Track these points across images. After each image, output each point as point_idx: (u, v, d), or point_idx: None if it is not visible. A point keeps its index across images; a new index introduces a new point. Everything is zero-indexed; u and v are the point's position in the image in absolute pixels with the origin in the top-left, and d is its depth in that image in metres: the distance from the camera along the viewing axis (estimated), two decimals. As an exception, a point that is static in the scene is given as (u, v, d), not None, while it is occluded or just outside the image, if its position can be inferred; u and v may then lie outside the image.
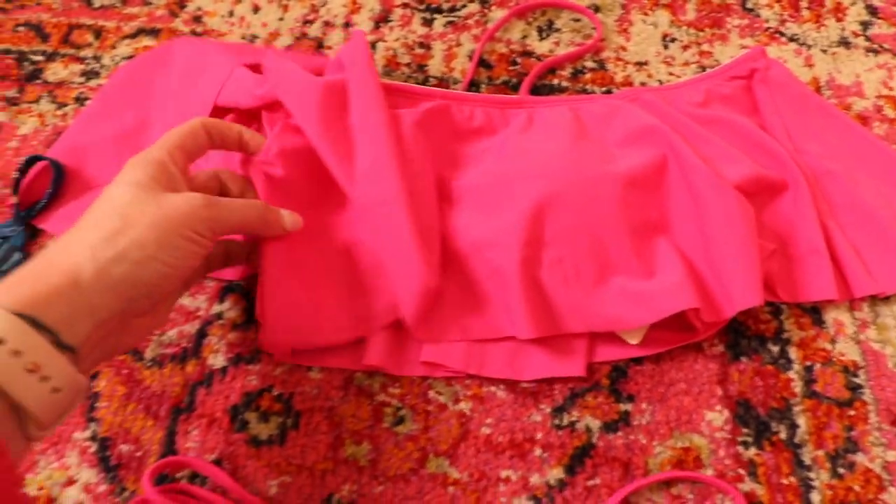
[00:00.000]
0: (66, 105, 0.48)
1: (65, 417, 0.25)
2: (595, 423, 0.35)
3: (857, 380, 0.36)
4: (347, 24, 0.52)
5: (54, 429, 0.25)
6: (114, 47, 0.51)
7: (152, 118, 0.44)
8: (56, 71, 0.50)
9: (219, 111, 0.42)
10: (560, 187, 0.36)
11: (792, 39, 0.50)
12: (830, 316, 0.38)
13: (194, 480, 0.34)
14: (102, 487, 0.34)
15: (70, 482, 0.34)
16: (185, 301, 0.40)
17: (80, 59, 0.50)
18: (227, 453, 0.35)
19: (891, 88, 0.47)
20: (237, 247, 0.36)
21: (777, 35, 0.50)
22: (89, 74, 0.49)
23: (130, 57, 0.50)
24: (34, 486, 0.34)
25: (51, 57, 0.51)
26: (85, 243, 0.26)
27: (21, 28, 0.53)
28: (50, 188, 0.42)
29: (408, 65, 0.49)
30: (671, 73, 0.48)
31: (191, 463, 0.34)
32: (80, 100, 0.48)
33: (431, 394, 0.36)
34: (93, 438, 0.35)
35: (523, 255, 0.35)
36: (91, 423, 0.36)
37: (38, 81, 0.49)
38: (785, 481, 0.33)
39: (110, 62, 0.50)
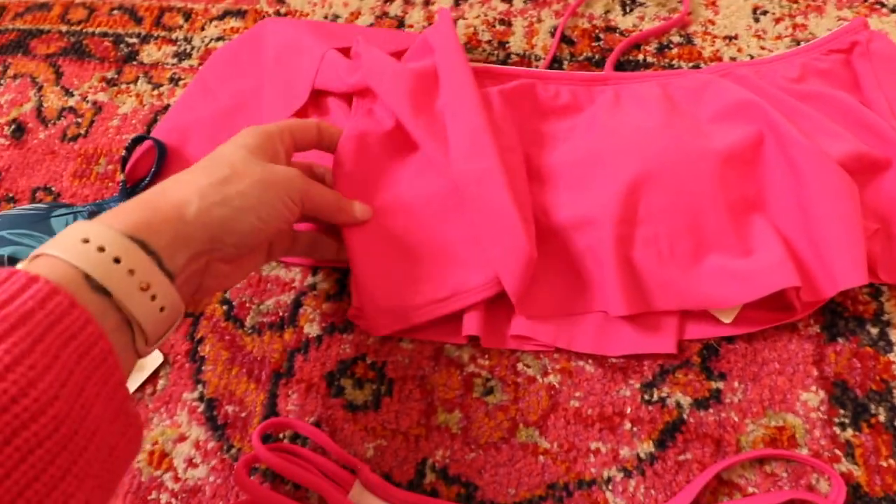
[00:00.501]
0: (161, 85, 0.50)
1: (165, 338, 0.27)
2: (686, 400, 0.35)
3: (963, 364, 0.35)
4: (427, 3, 0.52)
5: (155, 347, 0.27)
6: (203, 29, 0.53)
7: (247, 99, 0.45)
8: (150, 52, 0.52)
9: (314, 94, 0.44)
10: (654, 164, 0.36)
11: (894, 10, 0.47)
12: (935, 298, 0.37)
13: (295, 441, 0.36)
14: (211, 444, 0.37)
15: (181, 439, 0.37)
16: (281, 273, 0.42)
17: (173, 41, 0.53)
18: (325, 416, 0.37)
19: None
20: (324, 240, 0.38)
21: (878, 6, 0.48)
22: (181, 55, 0.52)
23: (219, 38, 0.52)
24: (149, 442, 0.37)
25: (145, 39, 0.53)
26: (195, 185, 0.29)
27: (116, 12, 0.55)
28: (154, 166, 0.44)
29: (489, 42, 0.49)
30: (763, 48, 0.46)
31: (294, 424, 0.36)
32: (174, 80, 0.50)
33: (520, 366, 0.37)
34: (200, 399, 0.38)
35: (618, 232, 0.35)
36: (198, 384, 0.38)
37: (135, 63, 0.52)
38: (884, 464, 0.33)
39: (200, 43, 0.52)
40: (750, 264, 0.35)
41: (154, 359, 0.39)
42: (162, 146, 0.45)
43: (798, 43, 0.46)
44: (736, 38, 0.47)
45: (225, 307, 0.41)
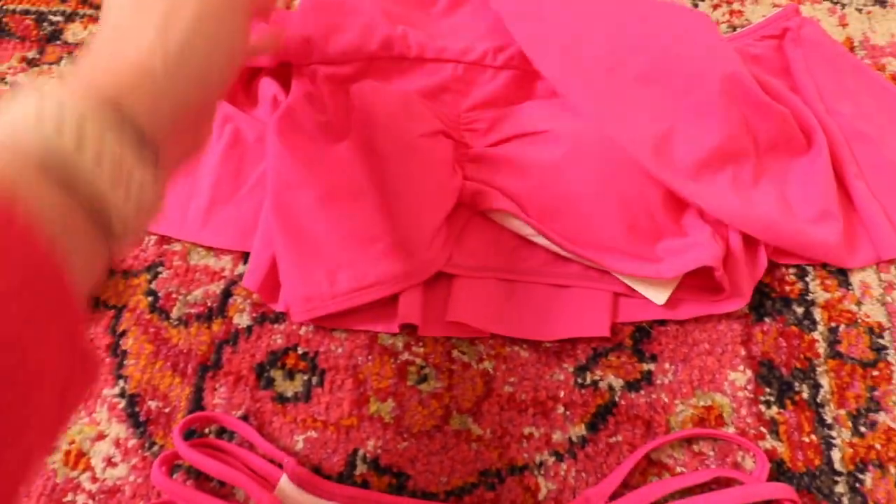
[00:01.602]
0: (85, 67, 0.48)
1: (136, 235, 0.21)
2: (618, 382, 0.35)
3: (881, 341, 0.36)
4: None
5: (130, 241, 0.21)
6: (131, 8, 0.51)
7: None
8: (76, 32, 0.50)
9: (246, 73, 0.42)
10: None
11: (825, -3, 0.48)
12: (857, 278, 0.38)
13: (222, 436, 0.35)
14: (132, 442, 0.35)
15: (100, 437, 0.35)
16: (210, 261, 0.40)
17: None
18: (254, 409, 0.36)
19: (926, 48, 0.46)
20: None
21: (809, -7, 0.49)
22: (107, 36, 0.49)
23: (148, 18, 0.50)
24: (65, 441, 0.35)
25: (70, 17, 0.50)
26: (144, 30, 0.22)
27: (38, -11, 0.52)
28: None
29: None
30: (698, 33, 0.47)
31: (219, 418, 0.35)
32: (98, 62, 0.48)
33: (455, 353, 0.37)
34: (121, 395, 0.36)
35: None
36: (119, 380, 0.37)
37: (59, 42, 0.49)
38: (806, 439, 0.34)
39: (128, 23, 0.50)
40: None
41: None
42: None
43: (734, 29, 0.47)
44: (673, 23, 0.48)
45: (150, 298, 0.39)
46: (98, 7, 0.51)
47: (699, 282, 0.36)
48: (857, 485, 0.33)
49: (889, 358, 0.36)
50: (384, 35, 0.39)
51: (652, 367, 0.36)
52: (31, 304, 0.16)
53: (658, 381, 0.35)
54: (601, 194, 0.35)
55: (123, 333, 0.38)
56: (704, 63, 0.38)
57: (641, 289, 0.36)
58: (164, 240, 0.40)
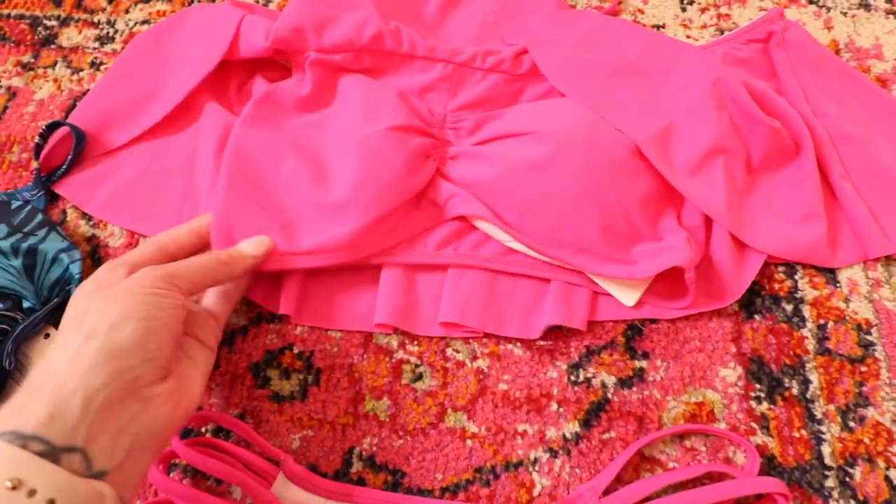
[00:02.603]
0: (81, 70, 0.48)
1: None
2: (610, 379, 0.36)
3: (869, 337, 0.37)
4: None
5: None
6: (127, 11, 0.51)
7: (167, 78, 0.44)
8: (70, 36, 0.50)
9: (237, 77, 0.43)
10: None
11: (811, 2, 0.49)
12: (845, 275, 0.39)
13: (218, 435, 0.35)
14: (130, 441, 0.35)
15: (98, 436, 0.35)
16: (206, 262, 0.40)
17: (94, 24, 0.50)
18: (251, 409, 0.36)
19: (910, 51, 0.46)
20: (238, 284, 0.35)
21: (796, -3, 0.50)
22: (104, 39, 0.50)
23: (145, 21, 0.50)
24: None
25: (65, 22, 0.51)
26: (56, 348, 0.25)
27: (33, -7, 0.52)
28: (70, 154, 0.42)
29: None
30: (688, 37, 0.48)
31: (215, 417, 0.35)
32: (95, 64, 0.48)
33: (449, 351, 0.37)
34: (119, 394, 0.36)
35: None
36: (117, 379, 0.37)
37: (53, 46, 0.49)
38: (796, 434, 0.34)
39: (124, 27, 0.50)
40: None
41: None
42: (79, 133, 0.42)
43: (722, 32, 0.48)
44: (664, 27, 0.48)
45: (146, 299, 0.39)
46: (92, 11, 0.51)
47: (673, 290, 0.36)
48: (847, 479, 0.33)
49: (877, 354, 0.36)
50: (376, 30, 0.40)
51: (644, 364, 0.36)
52: None
53: (650, 378, 0.36)
54: (581, 195, 0.35)
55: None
56: (695, 70, 0.39)
57: (611, 289, 0.36)
58: (160, 241, 0.41)
